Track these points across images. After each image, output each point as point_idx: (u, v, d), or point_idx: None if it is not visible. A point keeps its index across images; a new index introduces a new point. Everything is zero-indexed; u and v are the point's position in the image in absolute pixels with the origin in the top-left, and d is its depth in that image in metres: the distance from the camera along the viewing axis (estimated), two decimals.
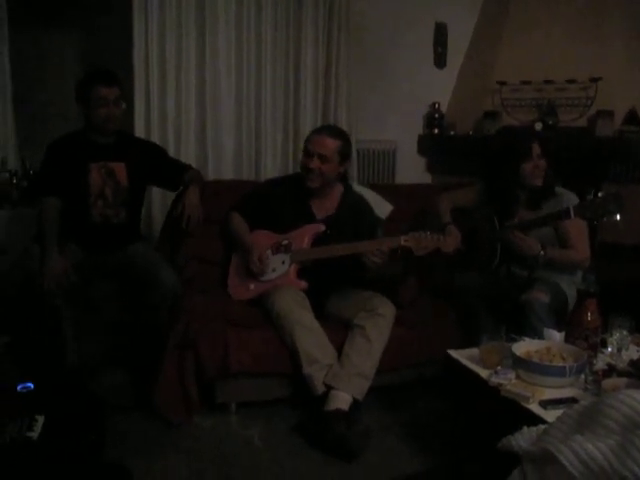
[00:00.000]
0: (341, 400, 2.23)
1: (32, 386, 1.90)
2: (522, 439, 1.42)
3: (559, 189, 2.60)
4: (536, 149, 2.55)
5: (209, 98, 3.41)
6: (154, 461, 2.08)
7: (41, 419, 1.73)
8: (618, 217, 2.23)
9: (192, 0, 3.29)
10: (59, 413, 1.80)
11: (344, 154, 2.61)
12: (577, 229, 2.37)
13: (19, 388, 1.88)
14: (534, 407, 1.73)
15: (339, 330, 2.43)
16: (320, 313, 2.49)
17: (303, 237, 2.59)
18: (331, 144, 2.55)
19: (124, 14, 3.24)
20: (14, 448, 1.62)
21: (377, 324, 2.39)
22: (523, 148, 2.56)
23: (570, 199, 2.51)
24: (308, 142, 2.60)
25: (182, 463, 2.09)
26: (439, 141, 4.02)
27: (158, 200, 3.34)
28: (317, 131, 2.66)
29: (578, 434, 1.28)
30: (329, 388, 2.27)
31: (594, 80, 3.44)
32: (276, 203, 2.68)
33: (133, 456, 2.06)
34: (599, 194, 2.24)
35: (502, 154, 2.66)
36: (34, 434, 1.67)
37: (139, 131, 3.25)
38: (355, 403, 2.27)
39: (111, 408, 2.31)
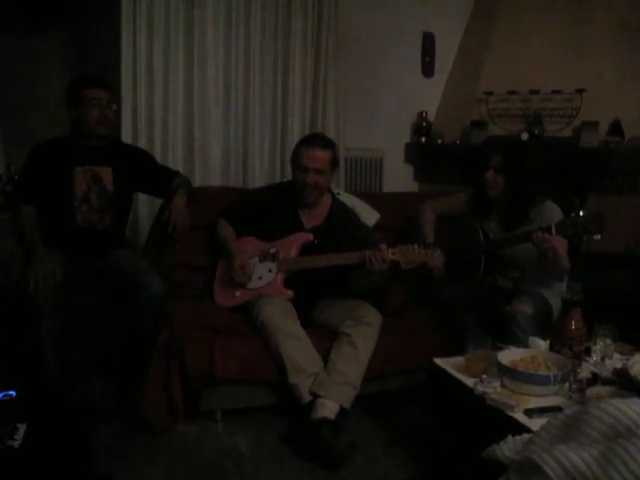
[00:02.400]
0: (328, 408, 2.22)
1: (14, 394, 1.87)
2: (507, 448, 1.42)
3: (548, 203, 2.61)
4: (495, 161, 2.54)
5: (197, 104, 3.40)
6: (138, 469, 2.06)
7: (23, 427, 1.70)
8: (599, 237, 2.26)
9: (180, 6, 3.29)
10: (42, 421, 1.77)
11: (335, 162, 2.62)
12: (560, 243, 2.39)
13: (1, 396, 1.86)
14: (519, 416, 1.74)
15: (325, 338, 2.43)
16: (307, 321, 2.49)
17: (291, 246, 2.59)
18: (325, 157, 2.55)
19: (112, 18, 3.24)
20: None
21: (364, 332, 2.39)
22: (483, 156, 2.59)
23: (554, 213, 2.53)
24: (302, 157, 2.54)
25: (166, 471, 2.07)
26: (426, 150, 4.04)
27: (145, 206, 3.32)
28: (308, 144, 2.56)
29: (562, 443, 1.28)
30: (316, 396, 2.26)
31: (579, 91, 3.49)
32: (264, 211, 2.67)
33: (117, 464, 2.04)
34: (581, 213, 2.26)
35: (471, 162, 2.71)
36: (15, 442, 1.64)
37: (126, 137, 3.24)
38: (342, 411, 2.26)
39: (95, 416, 2.29)
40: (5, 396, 1.86)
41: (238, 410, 2.44)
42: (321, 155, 2.54)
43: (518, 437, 1.47)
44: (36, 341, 2.36)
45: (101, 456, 2.03)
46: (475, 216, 2.71)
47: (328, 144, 2.60)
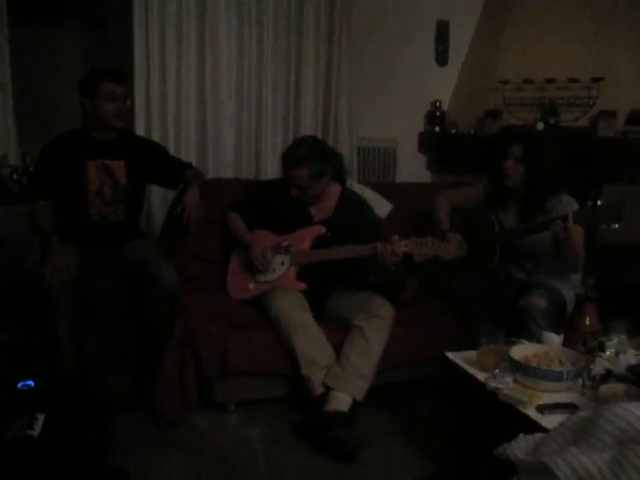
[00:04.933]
0: (341, 401, 2.24)
1: (33, 384, 1.90)
2: (518, 448, 1.42)
3: (565, 196, 2.58)
4: (515, 150, 2.52)
5: (209, 97, 3.39)
6: (152, 460, 2.09)
7: (42, 417, 1.73)
8: (617, 225, 2.23)
9: None
10: (60, 411, 1.80)
11: (319, 173, 2.56)
12: (577, 232, 2.36)
13: (20, 385, 1.89)
14: (531, 412, 1.73)
15: (338, 331, 2.43)
16: (319, 314, 2.50)
17: (304, 239, 2.59)
18: (302, 173, 2.52)
19: (125, 11, 3.23)
20: (14, 446, 1.63)
21: (376, 325, 2.39)
22: (501, 147, 2.56)
23: (570, 204, 2.50)
24: (286, 172, 2.58)
25: (181, 462, 2.11)
26: (440, 139, 4.01)
27: (158, 198, 3.33)
28: (286, 163, 2.57)
29: (574, 446, 1.28)
30: (328, 389, 2.27)
31: (597, 80, 3.43)
32: (274, 204, 2.68)
33: (131, 455, 2.06)
34: (598, 202, 2.22)
35: (487, 152, 2.68)
36: (34, 432, 1.67)
37: (139, 130, 3.25)
38: (354, 404, 2.28)
39: (111, 406, 2.32)
40: (24, 386, 1.89)
41: (251, 401, 2.46)
42: (297, 173, 2.53)
43: (530, 437, 1.47)
44: (53, 332, 2.40)
45: (114, 446, 2.05)
46: (490, 207, 2.69)
47: (302, 160, 2.51)
